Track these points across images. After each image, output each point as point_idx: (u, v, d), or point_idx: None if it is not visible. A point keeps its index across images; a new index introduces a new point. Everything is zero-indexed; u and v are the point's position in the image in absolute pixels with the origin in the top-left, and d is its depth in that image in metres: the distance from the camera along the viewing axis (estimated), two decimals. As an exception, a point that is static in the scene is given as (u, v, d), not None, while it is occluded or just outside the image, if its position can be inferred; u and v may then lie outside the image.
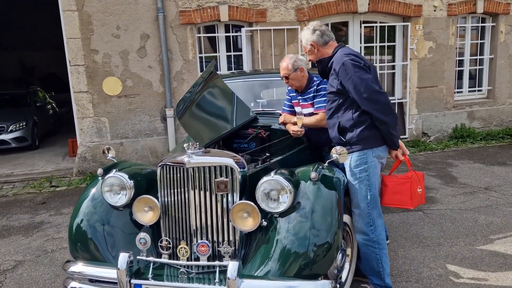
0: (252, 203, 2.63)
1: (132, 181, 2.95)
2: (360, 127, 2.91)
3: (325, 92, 3.48)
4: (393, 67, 8.83)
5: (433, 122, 9.01)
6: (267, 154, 3.62)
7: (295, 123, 3.53)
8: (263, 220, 2.66)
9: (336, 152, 2.85)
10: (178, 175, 2.76)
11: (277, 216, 2.64)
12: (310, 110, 3.59)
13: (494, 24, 9.24)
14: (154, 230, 2.91)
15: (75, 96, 7.42)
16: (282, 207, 2.61)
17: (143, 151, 7.77)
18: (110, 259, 2.77)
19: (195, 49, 7.66)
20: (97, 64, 7.35)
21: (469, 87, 9.60)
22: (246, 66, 7.87)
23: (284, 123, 3.65)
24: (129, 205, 2.92)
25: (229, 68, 8.07)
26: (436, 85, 8.97)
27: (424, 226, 4.48)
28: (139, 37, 7.44)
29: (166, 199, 2.84)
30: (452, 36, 8.88)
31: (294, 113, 3.82)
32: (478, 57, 9.48)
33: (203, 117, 3.47)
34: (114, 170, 3.00)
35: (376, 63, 8.47)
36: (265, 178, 2.67)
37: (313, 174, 2.70)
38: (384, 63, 8.69)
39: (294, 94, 3.75)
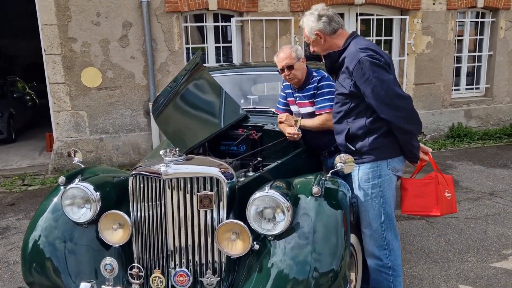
0: (242, 223, 2.19)
1: (98, 193, 2.47)
2: (373, 134, 2.47)
3: (328, 89, 3.04)
4: (390, 63, 8.42)
5: (430, 120, 8.65)
6: (259, 158, 3.18)
7: (291, 125, 3.09)
8: (255, 243, 2.22)
9: (341, 161, 2.42)
10: (154, 186, 2.30)
11: (272, 238, 2.20)
12: (310, 109, 3.15)
13: (494, 19, 8.89)
14: (126, 251, 2.45)
15: (51, 88, 6.88)
16: (278, 229, 2.17)
17: (125, 147, 7.27)
18: (71, 287, 2.31)
19: (181, 39, 7.16)
20: (75, 53, 6.82)
21: (466, 85, 9.26)
22: (236, 59, 7.40)
23: (280, 123, 3.20)
24: (95, 221, 2.45)
25: (218, 61, 7.59)
26: (433, 82, 8.61)
27: (429, 237, 4.09)
28: (121, 25, 6.91)
29: (138, 214, 2.39)
30: (451, 31, 8.51)
31: (289, 112, 3.38)
32: (477, 53, 9.14)
33: (185, 116, 2.98)
34: (77, 179, 2.52)
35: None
36: (258, 194, 2.22)
37: (315, 189, 2.26)
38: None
39: (290, 91, 3.30)
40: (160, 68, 7.15)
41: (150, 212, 2.35)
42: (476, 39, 9.08)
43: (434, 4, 8.28)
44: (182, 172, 2.26)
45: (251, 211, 2.19)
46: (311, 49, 2.67)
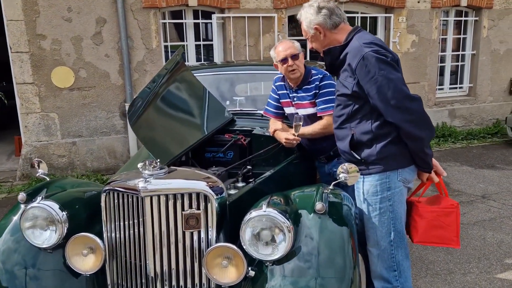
0: (235, 247, 1.88)
1: (65, 213, 2.12)
2: (381, 141, 2.19)
3: (331, 89, 2.75)
4: (375, 62, 8.24)
5: (415, 120, 8.50)
6: (248, 166, 2.88)
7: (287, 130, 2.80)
8: (250, 268, 1.91)
9: (343, 170, 2.14)
10: (131, 204, 1.96)
11: (270, 264, 1.90)
12: (311, 110, 2.86)
13: (477, 18, 8.83)
14: (99, 278, 2.11)
15: (18, 88, 6.40)
16: (278, 253, 1.88)
17: (100, 151, 6.85)
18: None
19: (159, 36, 6.78)
20: (44, 51, 6.35)
21: (450, 84, 9.18)
22: (217, 58, 7.07)
23: (275, 130, 2.90)
24: (62, 246, 2.10)
25: (198, 60, 7.24)
26: (418, 81, 8.48)
27: (426, 246, 3.87)
28: (95, 21, 6.49)
29: (113, 236, 2.05)
30: (436, 30, 8.39)
31: (281, 115, 3.09)
32: (460, 52, 9.06)
33: (166, 122, 2.64)
34: (39, 197, 2.16)
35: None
36: (254, 213, 1.91)
37: (319, 205, 1.97)
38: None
39: (286, 91, 3.00)
40: (136, 67, 6.76)
41: (127, 233, 2.02)
42: (460, 38, 9.00)
43: (418, 2, 8.14)
44: (164, 188, 1.94)
45: (246, 234, 1.89)
46: (309, 45, 2.38)
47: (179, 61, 2.91)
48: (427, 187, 2.46)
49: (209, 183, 2.03)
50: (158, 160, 2.05)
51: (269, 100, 3.13)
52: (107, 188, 2.04)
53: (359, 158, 2.25)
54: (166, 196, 1.93)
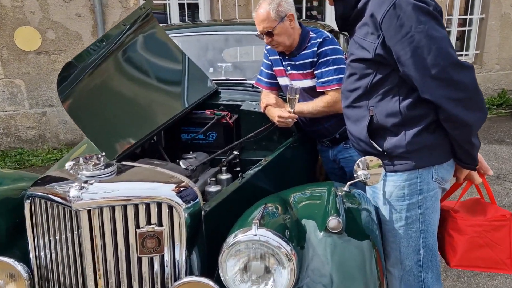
0: (211, 283, 1.30)
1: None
2: (413, 127, 1.60)
3: (334, 56, 2.13)
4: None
5: (418, 90, 7.90)
6: (235, 152, 2.28)
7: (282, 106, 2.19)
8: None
9: (362, 166, 1.56)
10: (62, 218, 1.36)
11: (263, 305, 1.33)
12: (308, 83, 2.25)
13: (487, -22, 8.08)
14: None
15: (-23, 51, 5.64)
16: (274, 294, 1.30)
17: (73, 123, 6.16)
18: None
19: (137, -7, 6.00)
20: (4, 8, 5.61)
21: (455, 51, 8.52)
22: (204, 19, 6.32)
23: (266, 106, 2.29)
24: (-29, 271, 1.51)
25: (182, 21, 6.48)
26: (422, 48, 7.80)
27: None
28: (62, -26, 5.67)
29: (42, 256, 1.46)
30: (443, -9, 7.66)
31: (275, 86, 2.46)
32: (468, 16, 8.35)
33: (121, 97, 1.94)
34: None
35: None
36: (240, 237, 1.32)
37: (333, 222, 1.38)
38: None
39: (278, 57, 2.36)
40: (112, 28, 5.99)
41: (59, 252, 1.43)
42: (468, 0, 8.29)
43: (426, -42, 7.35)
44: (109, 197, 1.33)
45: (229, 265, 1.30)
46: None
47: (147, 14, 2.23)
48: (466, 189, 1.88)
49: (177, 187, 1.42)
50: (103, 153, 1.42)
51: (261, 67, 2.50)
52: (30, 193, 1.42)
53: (381, 149, 1.65)
54: (112, 208, 1.33)
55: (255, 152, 2.35)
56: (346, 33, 2.82)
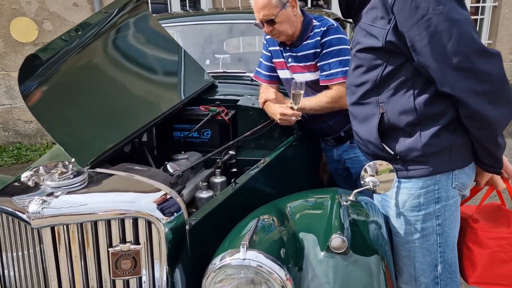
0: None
1: None
2: (431, 126, 1.40)
3: (339, 46, 1.94)
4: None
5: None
6: (231, 152, 2.09)
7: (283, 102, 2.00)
8: None
9: (371, 172, 1.37)
10: (24, 234, 1.19)
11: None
12: (311, 76, 2.05)
13: (501, -36, 7.76)
14: None
15: (-28, 43, 5.49)
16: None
17: (72, 116, 6.01)
18: None
19: (136, -19, 5.78)
20: (-1, -2, 5.39)
21: (467, 40, 8.23)
22: (205, 7, 6.11)
23: (264, 102, 2.10)
24: None
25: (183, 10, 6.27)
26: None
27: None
28: (58, -38, 5.48)
29: (6, 274, 1.28)
30: (456, -23, 7.35)
31: (276, 80, 2.27)
32: (481, 4, 8.05)
33: (98, 93, 1.69)
34: None
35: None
36: (227, 260, 1.14)
37: (337, 241, 1.19)
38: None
39: (278, 48, 2.16)
40: (111, 19, 5.80)
41: (22, 271, 1.26)
42: (481, -13, 7.99)
43: None
44: (74, 213, 1.14)
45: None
46: None
47: (135, 1, 2.02)
48: (487, 196, 1.67)
49: (157, 199, 1.23)
50: (73, 160, 1.24)
51: (260, 59, 2.30)
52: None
53: (393, 152, 1.45)
54: (80, 225, 1.15)
55: (253, 151, 2.17)
56: (351, 21, 2.61)
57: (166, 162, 1.80)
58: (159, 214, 1.21)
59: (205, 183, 1.75)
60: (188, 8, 6.26)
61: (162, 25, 2.33)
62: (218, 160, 2.04)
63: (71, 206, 1.14)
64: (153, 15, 2.43)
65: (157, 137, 2.17)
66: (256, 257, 1.11)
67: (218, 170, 1.95)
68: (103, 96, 1.62)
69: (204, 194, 1.72)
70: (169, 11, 6.16)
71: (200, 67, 2.41)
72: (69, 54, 1.55)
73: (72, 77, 1.56)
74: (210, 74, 2.45)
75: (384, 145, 1.45)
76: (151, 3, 6.16)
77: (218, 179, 1.90)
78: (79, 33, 1.60)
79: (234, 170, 2.11)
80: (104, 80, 1.68)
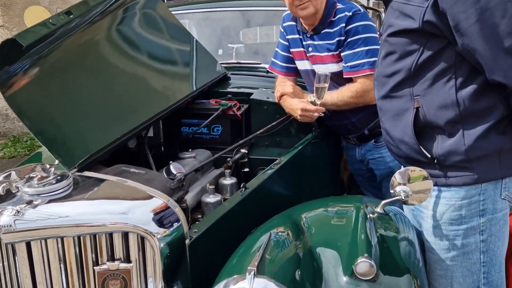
0: None
1: None
2: (476, 125, 1.19)
3: (366, 34, 1.74)
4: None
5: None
6: (243, 150, 1.91)
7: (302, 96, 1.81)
8: None
9: (402, 180, 1.18)
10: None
11: None
12: (333, 68, 1.84)
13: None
14: None
15: (-14, 32, 5.44)
16: None
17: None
18: None
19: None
20: (13, -13, 5.33)
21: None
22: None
23: (281, 96, 1.91)
24: None
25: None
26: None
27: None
28: (72, -51, 5.36)
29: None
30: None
31: (293, 72, 2.07)
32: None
33: (95, 82, 1.47)
34: None
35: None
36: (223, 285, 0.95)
37: (363, 266, 1.00)
38: None
39: (297, 36, 1.96)
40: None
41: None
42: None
43: None
44: (54, 226, 0.98)
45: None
46: None
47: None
48: None
49: (152, 209, 1.06)
50: (56, 162, 1.07)
51: (276, 49, 2.10)
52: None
53: (429, 155, 1.24)
54: (61, 240, 0.98)
55: (267, 149, 1.98)
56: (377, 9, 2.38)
57: (170, 162, 1.62)
58: (153, 228, 1.04)
59: (213, 186, 1.57)
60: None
61: (174, 12, 2.16)
62: (229, 159, 1.86)
63: (49, 218, 0.97)
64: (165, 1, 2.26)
65: (164, 133, 2.01)
66: (267, 284, 0.92)
67: (228, 171, 1.76)
68: (99, 86, 1.44)
69: (211, 199, 1.54)
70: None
71: (212, 57, 2.24)
72: (61, 39, 1.37)
73: (61, 64, 1.37)
74: (222, 65, 2.27)
75: (421, 147, 1.24)
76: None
77: (228, 181, 1.72)
78: (71, 16, 1.43)
79: (246, 170, 1.93)
80: (100, 68, 1.49)
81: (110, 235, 1.02)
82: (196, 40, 2.19)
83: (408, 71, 1.23)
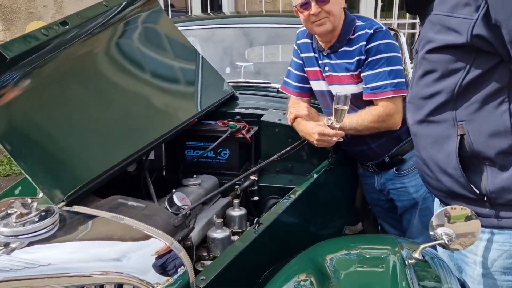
0: None
1: None
2: None
3: (388, 54, 1.60)
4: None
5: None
6: (252, 177, 1.75)
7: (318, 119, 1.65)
8: None
9: (442, 221, 1.01)
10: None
11: None
12: (352, 89, 1.69)
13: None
14: None
15: (-13, 47, 5.34)
16: None
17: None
18: None
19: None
20: (16, 2, 5.33)
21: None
22: (227, 9, 5.85)
23: (295, 118, 1.75)
24: None
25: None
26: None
27: None
28: (77, -35, 5.32)
29: None
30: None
31: (307, 92, 1.92)
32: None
33: (88, 102, 1.30)
34: None
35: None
36: None
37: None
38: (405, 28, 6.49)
39: (313, 54, 1.81)
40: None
41: None
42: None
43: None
44: (31, 276, 0.80)
45: None
46: None
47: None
48: None
49: (152, 253, 0.88)
50: (40, 195, 0.90)
51: (289, 67, 1.95)
52: None
53: (478, 192, 1.07)
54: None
55: (278, 176, 1.83)
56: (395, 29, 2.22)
57: (173, 191, 1.45)
58: (152, 277, 0.86)
59: (220, 220, 1.40)
60: (209, 12, 6.02)
61: (179, 28, 2.03)
62: (237, 186, 1.69)
63: (26, 267, 0.80)
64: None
65: (166, 156, 1.84)
66: None
67: (236, 201, 1.59)
68: (95, 105, 1.27)
69: (219, 234, 1.37)
70: (189, 12, 5.94)
71: (219, 75, 2.10)
72: (54, 52, 1.21)
73: (52, 80, 1.20)
74: (230, 83, 2.13)
75: (469, 182, 1.08)
76: (171, 11, 5.94)
77: (237, 212, 1.55)
78: (67, 27, 1.29)
79: (256, 198, 1.76)
80: (97, 85, 1.33)
81: (101, 287, 0.84)
82: (202, 57, 2.06)
83: (451, 92, 1.08)
